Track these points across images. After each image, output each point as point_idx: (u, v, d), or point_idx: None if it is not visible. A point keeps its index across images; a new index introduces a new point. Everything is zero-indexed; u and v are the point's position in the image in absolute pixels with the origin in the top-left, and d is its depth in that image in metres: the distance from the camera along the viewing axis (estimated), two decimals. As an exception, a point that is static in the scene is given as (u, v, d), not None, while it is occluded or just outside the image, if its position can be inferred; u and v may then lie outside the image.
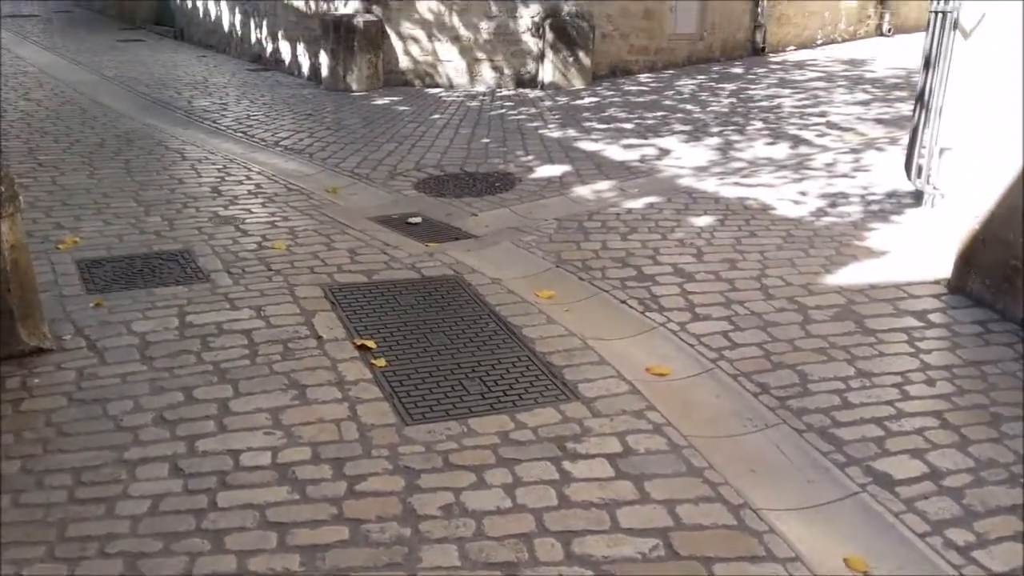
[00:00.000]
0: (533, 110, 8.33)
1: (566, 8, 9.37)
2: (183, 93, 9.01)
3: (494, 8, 9.31)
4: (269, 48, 11.08)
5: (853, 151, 6.70)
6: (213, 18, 12.39)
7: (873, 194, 5.62)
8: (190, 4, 13.03)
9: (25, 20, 15.41)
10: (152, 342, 3.49)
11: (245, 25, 11.60)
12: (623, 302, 4.07)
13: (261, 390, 3.16)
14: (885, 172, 6.02)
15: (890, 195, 5.56)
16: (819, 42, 12.23)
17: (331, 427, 2.95)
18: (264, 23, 11.13)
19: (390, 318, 3.80)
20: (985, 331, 3.75)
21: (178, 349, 3.44)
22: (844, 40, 12.53)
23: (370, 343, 3.55)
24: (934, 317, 3.89)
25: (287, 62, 10.67)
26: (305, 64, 10.27)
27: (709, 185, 5.91)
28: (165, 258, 4.36)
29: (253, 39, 11.45)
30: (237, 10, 11.73)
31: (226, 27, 12.07)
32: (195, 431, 2.90)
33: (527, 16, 9.36)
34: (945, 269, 4.21)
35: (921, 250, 4.61)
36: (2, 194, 2.94)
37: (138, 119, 7.73)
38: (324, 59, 9.41)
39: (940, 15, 4.92)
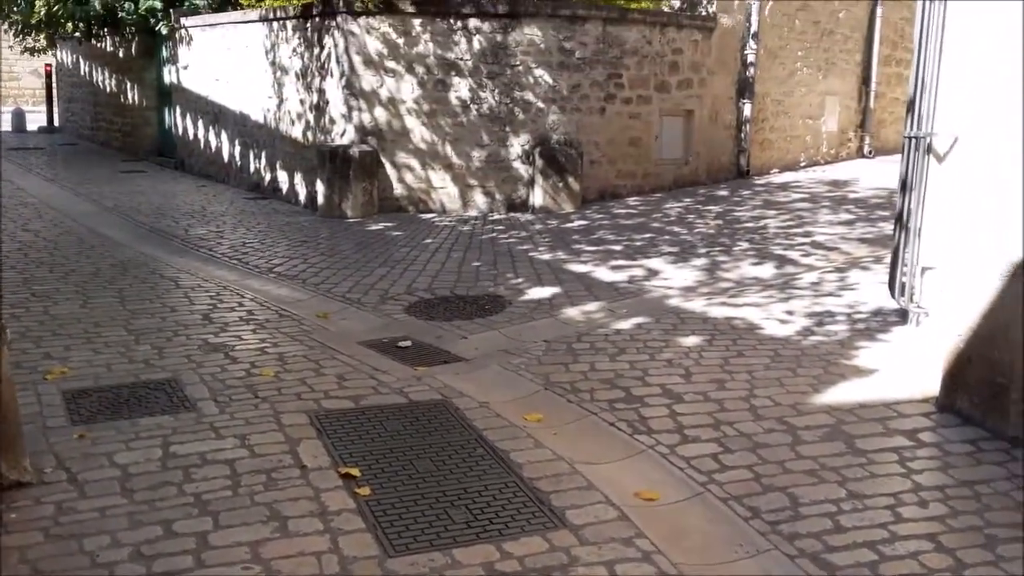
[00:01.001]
0: (524, 233, 8.49)
1: (555, 137, 9.69)
2: (180, 222, 9.19)
3: (485, 138, 9.63)
4: (267, 177, 11.38)
5: (838, 270, 6.81)
6: (213, 149, 12.77)
7: (859, 312, 5.68)
8: (191, 136, 13.45)
9: (30, 152, 15.86)
10: (133, 474, 3.44)
11: (244, 156, 11.94)
12: (612, 424, 4.04)
13: (242, 522, 3.10)
14: (870, 290, 6.10)
15: (876, 313, 5.62)
16: (802, 164, 12.59)
17: (311, 560, 2.88)
18: (263, 154, 11.46)
19: (376, 445, 3.77)
20: (976, 450, 3.72)
21: (160, 481, 3.39)
22: (827, 162, 12.91)
23: (355, 471, 3.50)
24: (924, 436, 3.87)
25: (284, 191, 10.93)
26: (302, 192, 10.52)
27: (697, 305, 5.97)
28: (152, 387, 4.35)
29: (252, 169, 11.77)
30: (236, 141, 12.10)
31: (225, 157, 12.43)
32: (172, 567, 2.83)
33: (517, 145, 9.67)
34: (933, 387, 4.21)
35: (909, 368, 4.62)
36: (-12, 327, 2.97)
37: (135, 248, 7.85)
38: (320, 187, 9.66)
39: (914, 140, 5.10)
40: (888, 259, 5.61)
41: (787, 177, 11.76)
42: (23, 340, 4.96)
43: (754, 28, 11.35)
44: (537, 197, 9.62)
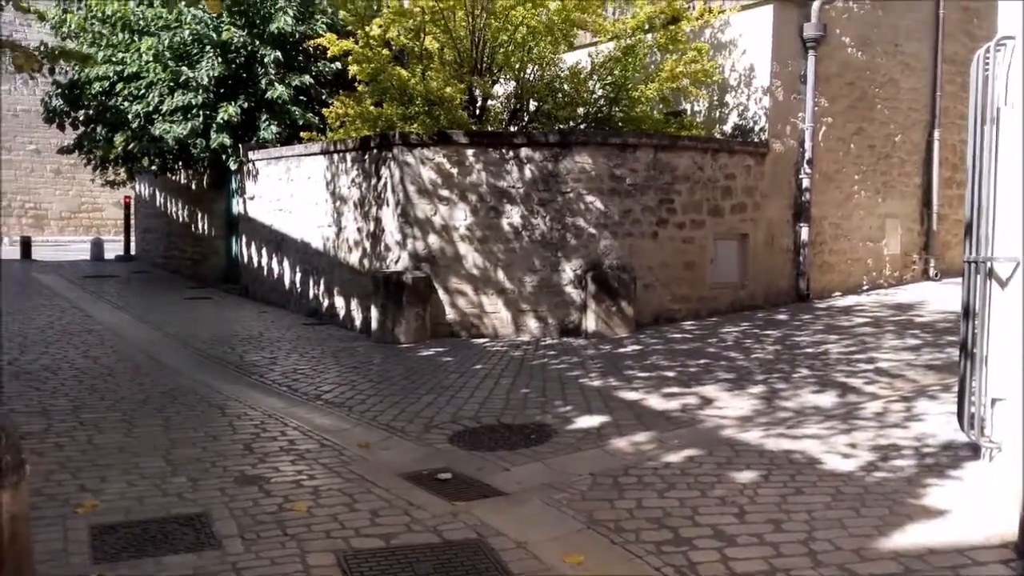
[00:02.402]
0: (575, 359, 8.34)
1: (607, 261, 9.65)
2: (237, 348, 9.30)
3: (537, 263, 9.64)
4: (325, 303, 11.54)
5: (904, 399, 6.46)
6: (275, 275, 13.07)
7: (927, 446, 5.33)
8: (255, 263, 13.82)
9: (104, 280, 16.47)
10: (149, 617, 3.30)
11: (304, 282, 12.19)
12: (658, 570, 3.78)
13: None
14: (939, 422, 5.75)
15: (945, 447, 5.27)
16: (865, 288, 12.28)
17: None
18: (322, 280, 11.68)
19: (404, 589, 3.57)
20: (1063, 606, 3.35)
21: (174, 626, 3.24)
22: (890, 285, 12.57)
23: (379, 619, 3.30)
24: (1003, 588, 3.52)
25: (341, 316, 11.06)
26: (358, 318, 10.62)
27: (753, 436, 5.69)
28: (181, 522, 4.24)
29: (311, 294, 11.97)
30: (297, 268, 12.38)
31: (287, 284, 12.70)
32: None
33: (569, 269, 9.65)
34: (1011, 530, 3.86)
35: (983, 509, 4.27)
36: (7, 463, 2.93)
37: (188, 375, 7.93)
38: (374, 313, 9.72)
39: (974, 264, 4.88)
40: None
41: (849, 301, 11.45)
42: (62, 471, 4.94)
43: (808, 153, 11.32)
44: (590, 322, 9.51)
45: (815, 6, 11.19)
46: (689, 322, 10.08)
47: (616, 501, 4.59)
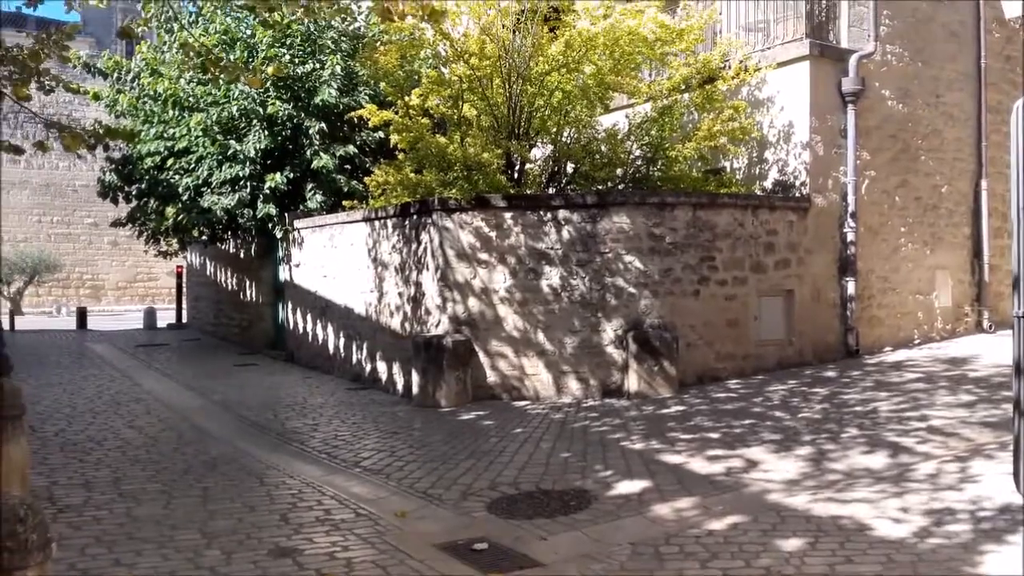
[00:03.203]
0: (617, 421, 8.21)
1: (648, 320, 9.55)
2: (280, 415, 9.35)
3: (577, 324, 9.58)
4: (368, 368, 11.59)
5: (959, 459, 6.21)
6: (320, 341, 13.19)
7: (983, 509, 5.10)
8: (300, 329, 13.98)
9: (155, 348, 16.78)
10: None
11: (347, 347, 12.27)
12: (697, 645, 3.63)
13: None
14: (996, 483, 5.50)
15: (1003, 510, 5.03)
16: (916, 341, 11.96)
17: None
18: (364, 345, 11.75)
19: (434, 667, 3.47)
20: None
21: None
22: (943, 338, 12.23)
23: None
24: (1068, 666, 3.29)
25: (383, 380, 11.08)
26: (399, 382, 10.63)
27: (800, 501, 5.50)
28: (212, 597, 4.21)
29: (354, 360, 12.04)
30: (341, 333, 12.49)
31: (331, 349, 12.80)
32: None
33: (610, 330, 9.57)
34: (1075, 603, 3.64)
35: (1044, 578, 4.04)
36: (33, 543, 2.94)
37: (231, 443, 7.97)
38: (415, 377, 9.72)
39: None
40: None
41: (900, 355, 11.14)
42: (98, 544, 4.96)
43: (852, 207, 11.17)
44: (632, 382, 9.38)
45: (852, 61, 11.16)
46: (734, 381, 9.89)
47: (657, 572, 4.46)
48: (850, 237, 11.19)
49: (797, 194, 11.01)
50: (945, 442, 6.73)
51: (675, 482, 6.08)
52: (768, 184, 11.37)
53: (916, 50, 12.14)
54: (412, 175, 11.14)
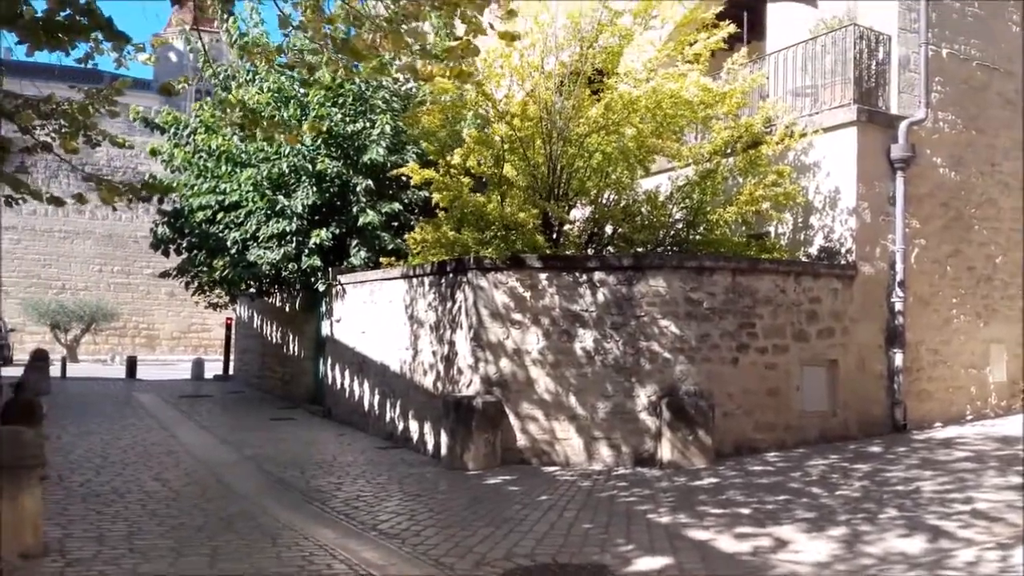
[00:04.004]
0: (646, 491, 7.94)
1: (683, 387, 9.30)
2: (307, 472, 9.26)
3: (610, 388, 9.37)
4: (400, 426, 11.49)
5: (1001, 546, 5.82)
6: (356, 397, 13.16)
7: (1025, 605, 4.74)
8: (337, 384, 13.98)
9: (197, 400, 16.94)
10: None
11: (382, 404, 12.20)
12: None
13: None
14: (1041, 576, 5.13)
15: (1046, 607, 4.66)
16: (968, 418, 11.45)
17: None
18: (398, 403, 11.67)
19: None
20: None
21: None
22: (997, 415, 11.69)
23: None
24: None
25: (415, 440, 10.95)
26: (430, 442, 10.49)
27: (827, 586, 5.19)
28: (198, 663, 4.08)
29: (388, 418, 11.96)
30: (376, 390, 12.43)
31: (366, 406, 12.74)
32: None
33: (644, 395, 9.34)
34: None
35: None
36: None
37: (252, 500, 7.90)
38: (444, 438, 9.58)
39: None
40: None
41: (950, 432, 10.65)
42: (97, 601, 4.89)
43: (900, 276, 10.84)
44: (665, 451, 9.10)
45: (902, 127, 10.94)
46: (773, 453, 9.53)
47: (664, 657, 4.20)
48: (898, 307, 10.84)
49: (843, 261, 10.73)
50: (989, 527, 6.33)
51: (698, 560, 5.81)
52: (813, 250, 11.11)
53: (970, 117, 11.86)
54: (450, 233, 11.15)
